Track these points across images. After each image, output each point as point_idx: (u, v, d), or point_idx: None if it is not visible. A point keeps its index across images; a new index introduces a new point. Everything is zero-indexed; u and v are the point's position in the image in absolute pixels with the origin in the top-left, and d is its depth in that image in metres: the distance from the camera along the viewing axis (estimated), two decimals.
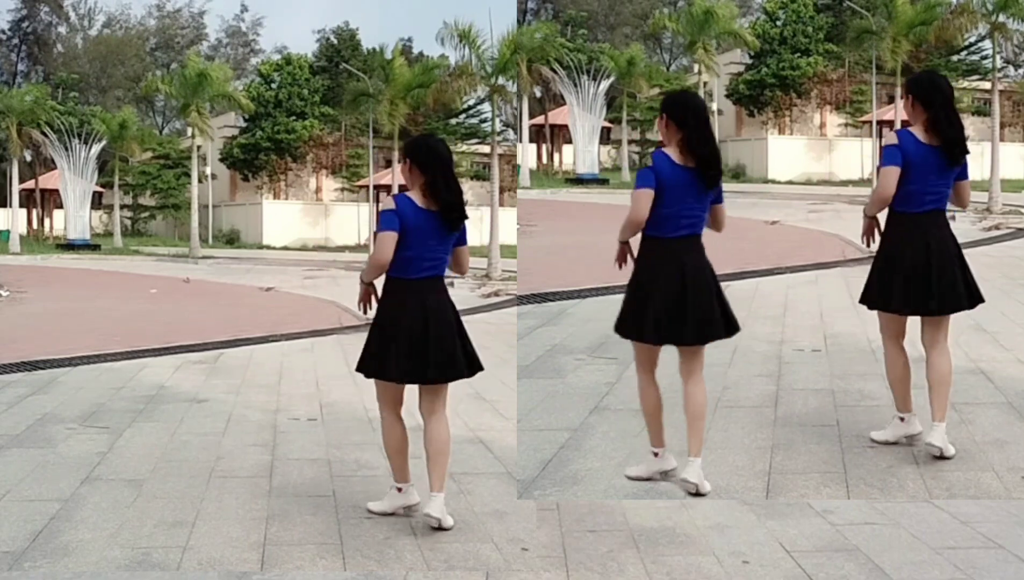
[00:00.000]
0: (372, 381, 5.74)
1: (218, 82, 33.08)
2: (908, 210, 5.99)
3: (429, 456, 5.59)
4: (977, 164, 33.12)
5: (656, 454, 5.92)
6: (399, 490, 5.80)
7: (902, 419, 6.28)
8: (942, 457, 6.03)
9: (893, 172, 5.89)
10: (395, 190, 31.09)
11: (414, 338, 5.53)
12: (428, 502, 5.55)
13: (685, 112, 5.74)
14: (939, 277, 5.98)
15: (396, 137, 30.52)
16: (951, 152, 5.92)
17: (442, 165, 5.58)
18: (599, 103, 35.42)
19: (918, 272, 5.97)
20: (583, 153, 34.90)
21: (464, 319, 5.88)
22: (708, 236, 6.07)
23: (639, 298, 5.72)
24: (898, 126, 29.86)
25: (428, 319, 5.56)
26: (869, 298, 6.17)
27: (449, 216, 5.55)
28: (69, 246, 33.85)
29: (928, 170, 5.94)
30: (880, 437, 6.36)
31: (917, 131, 5.95)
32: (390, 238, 5.48)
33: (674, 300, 5.63)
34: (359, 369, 5.74)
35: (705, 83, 34.91)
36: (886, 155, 5.96)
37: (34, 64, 47.86)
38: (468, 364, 5.72)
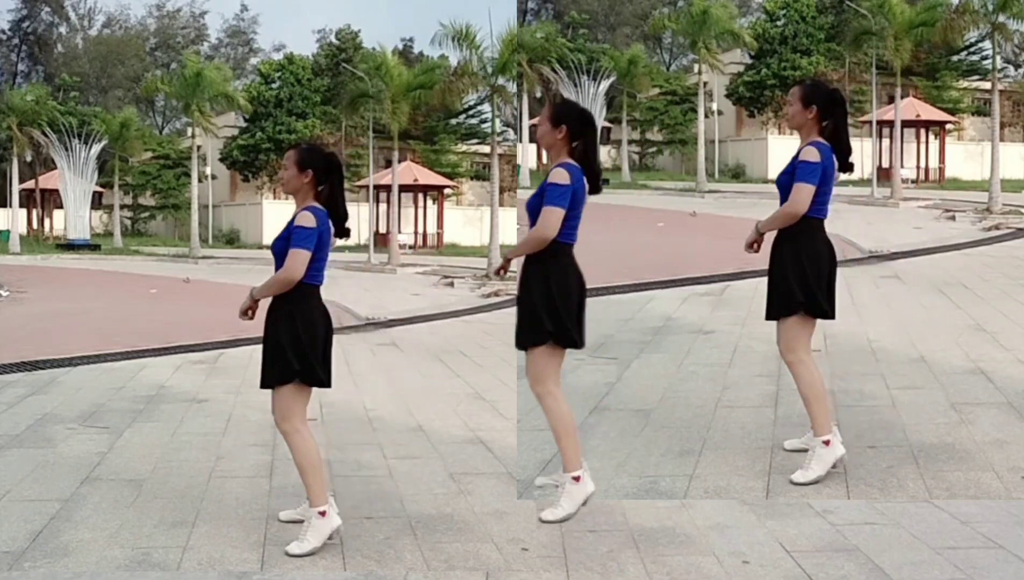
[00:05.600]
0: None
1: (216, 82, 33.07)
2: (820, 216, 6.06)
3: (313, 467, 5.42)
4: (977, 164, 33.18)
5: (578, 478, 5.60)
6: (321, 514, 5.32)
7: (826, 443, 5.94)
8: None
9: (811, 191, 5.96)
10: (395, 190, 31.09)
11: (327, 342, 5.74)
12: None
13: (583, 127, 5.88)
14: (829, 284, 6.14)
15: (396, 137, 30.51)
16: (843, 161, 6.07)
17: (339, 179, 5.73)
18: (599, 103, 35.40)
19: (831, 277, 6.09)
20: None
21: (464, 319, 5.90)
22: (708, 236, 6.07)
23: (559, 305, 5.85)
24: (898, 126, 29.96)
25: (328, 324, 5.79)
26: (805, 305, 5.97)
27: (339, 225, 5.69)
28: (69, 246, 33.85)
29: (833, 177, 6.08)
30: (792, 446, 6.32)
31: (821, 140, 6.05)
32: (307, 257, 5.55)
33: (578, 306, 5.94)
34: (297, 380, 5.57)
35: (705, 83, 34.93)
36: (808, 172, 5.97)
37: (34, 64, 47.88)
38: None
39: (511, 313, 6.49)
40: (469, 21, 27.85)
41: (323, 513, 5.31)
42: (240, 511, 5.95)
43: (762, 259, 6.51)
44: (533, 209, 5.88)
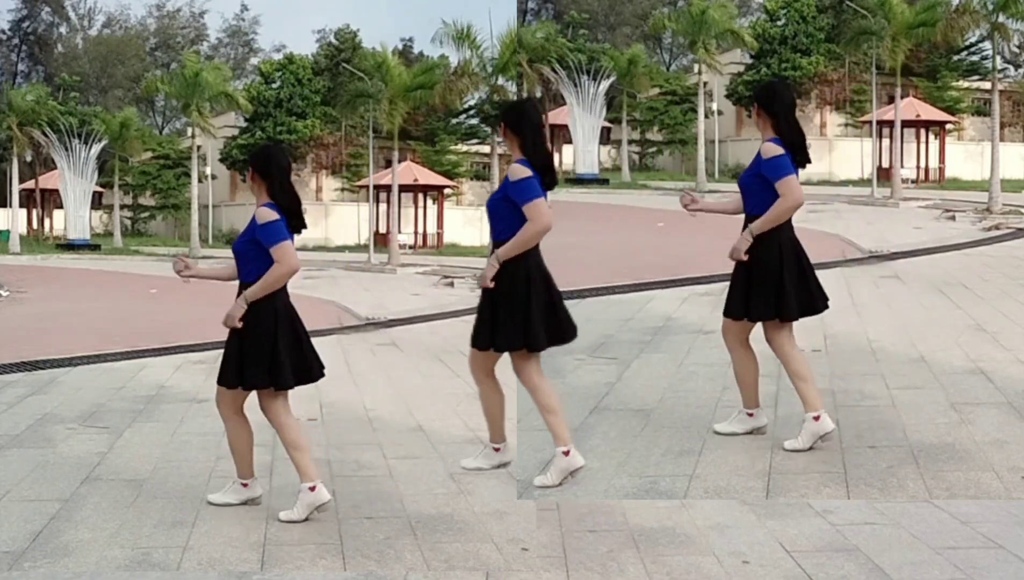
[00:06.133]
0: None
1: (216, 82, 33.06)
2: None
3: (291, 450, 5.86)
4: (977, 164, 33.16)
5: (498, 449, 6.24)
6: (310, 489, 5.80)
7: (751, 415, 6.49)
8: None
9: (796, 180, 6.08)
10: (395, 190, 31.09)
11: (300, 341, 5.77)
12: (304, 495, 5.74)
13: (520, 119, 5.90)
14: (814, 277, 6.29)
15: (396, 137, 30.50)
16: (795, 157, 6.12)
17: (281, 173, 5.76)
18: (599, 103, 35.39)
19: (798, 273, 6.19)
20: (583, 153, 34.87)
21: (464, 319, 5.94)
22: (708, 236, 6.11)
23: (523, 305, 5.83)
24: (898, 126, 29.95)
25: (294, 321, 5.79)
26: (784, 311, 6.14)
27: (291, 223, 5.71)
28: (69, 246, 33.82)
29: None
30: (722, 429, 6.55)
31: (777, 136, 6.13)
32: (292, 246, 5.65)
33: (547, 303, 5.91)
34: (269, 384, 5.74)
35: (705, 83, 34.92)
36: (781, 166, 6.07)
37: (35, 64, 47.84)
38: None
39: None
40: (469, 21, 27.87)
41: (245, 484, 5.94)
42: (240, 511, 5.95)
43: None
44: (496, 209, 5.92)
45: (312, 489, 5.75)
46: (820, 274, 6.44)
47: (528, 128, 5.91)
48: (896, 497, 5.67)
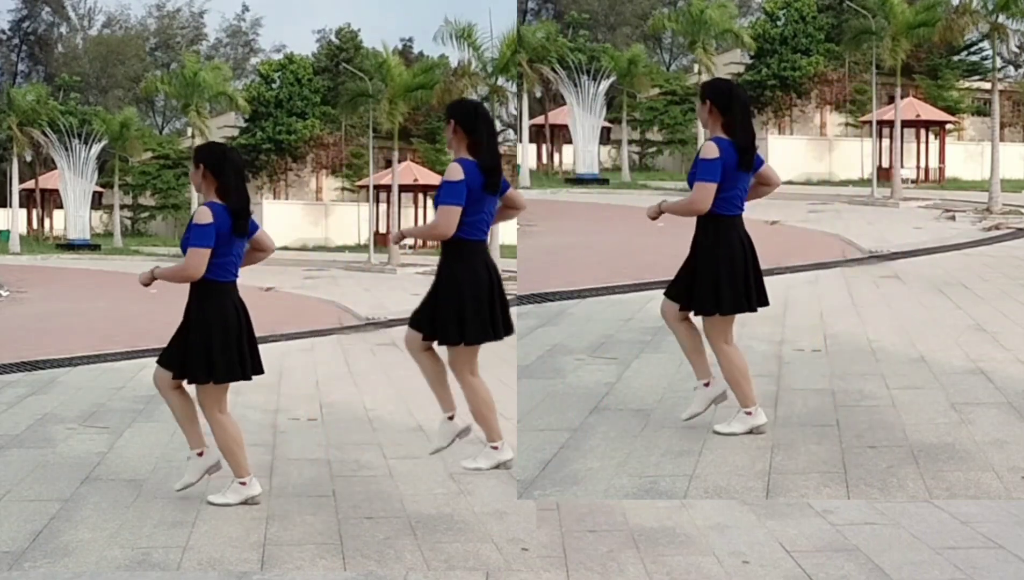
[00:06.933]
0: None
1: (215, 82, 33.06)
2: (731, 213, 6.26)
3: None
4: (977, 164, 33.16)
5: (495, 446, 6.40)
6: (243, 483, 5.99)
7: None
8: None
9: (712, 189, 6.13)
10: (395, 190, 31.09)
11: (247, 334, 5.91)
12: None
13: (476, 121, 6.00)
14: (756, 276, 6.38)
15: (396, 137, 30.51)
16: (743, 157, 6.18)
17: (236, 173, 5.81)
18: (599, 103, 35.40)
19: (741, 272, 6.29)
20: (583, 153, 34.88)
21: None
22: None
23: (468, 309, 6.07)
24: (898, 126, 29.95)
25: (241, 318, 5.90)
26: (724, 306, 6.30)
27: (238, 220, 5.76)
28: (69, 246, 33.83)
29: (739, 173, 6.21)
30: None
31: (724, 136, 6.17)
32: (206, 255, 5.67)
33: (490, 302, 6.13)
34: (207, 379, 5.88)
35: None
36: (708, 169, 6.15)
37: (35, 64, 47.84)
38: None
39: (511, 313, 6.50)
40: (470, 21, 27.86)
41: (244, 483, 5.98)
42: (240, 511, 5.95)
43: (763, 259, 6.54)
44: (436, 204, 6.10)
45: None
46: (821, 274, 6.47)
47: (484, 130, 6.05)
48: (896, 497, 5.67)
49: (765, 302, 6.51)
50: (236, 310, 5.90)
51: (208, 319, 5.79)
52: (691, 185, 6.28)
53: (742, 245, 6.33)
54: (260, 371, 6.11)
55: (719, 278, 6.23)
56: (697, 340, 6.54)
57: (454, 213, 5.96)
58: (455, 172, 5.95)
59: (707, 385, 6.57)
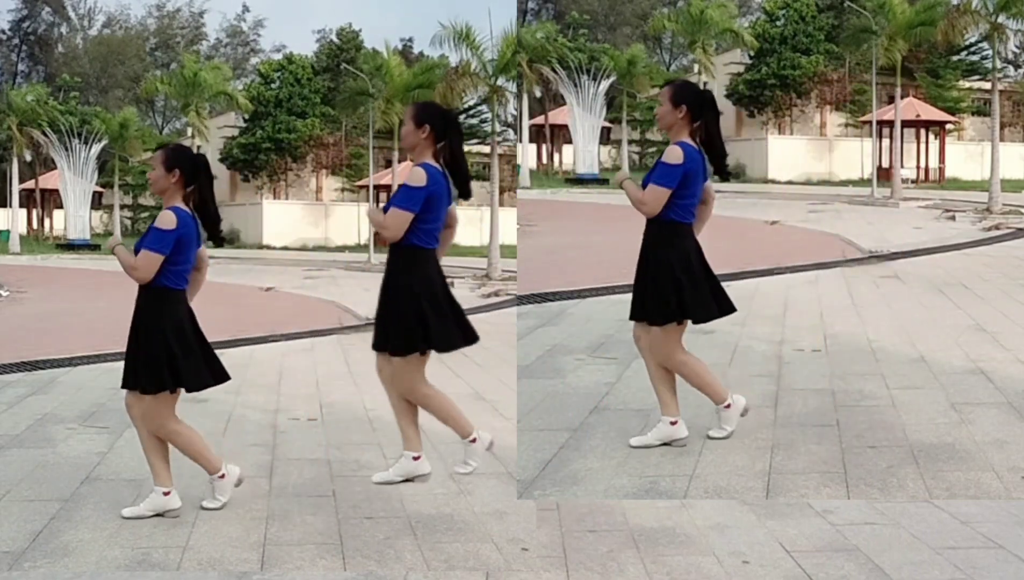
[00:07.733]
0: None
1: (215, 82, 33.07)
2: (686, 221, 6.12)
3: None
4: (977, 164, 33.17)
5: (472, 438, 6.32)
6: (222, 476, 6.02)
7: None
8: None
9: (666, 195, 5.99)
10: (394, 190, 31.09)
11: (203, 344, 5.89)
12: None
13: (447, 127, 5.95)
14: (712, 284, 6.19)
15: (396, 137, 30.50)
16: (716, 164, 6.10)
17: (208, 182, 5.78)
18: (599, 103, 35.41)
19: (701, 278, 6.14)
20: (583, 153, 34.89)
21: (468, 317, 6.00)
22: (707, 236, 6.14)
23: (431, 318, 6.01)
24: (898, 126, 29.96)
25: (196, 325, 5.88)
26: (681, 315, 6.14)
27: (211, 228, 5.79)
28: (69, 246, 33.84)
29: (699, 181, 6.08)
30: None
31: (690, 141, 6.03)
32: (158, 261, 5.66)
33: (449, 305, 6.09)
34: (163, 387, 5.88)
35: (705, 83, 34.87)
36: (667, 174, 5.98)
37: (35, 64, 47.85)
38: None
39: (511, 313, 6.50)
40: (469, 21, 27.85)
41: (222, 476, 5.97)
42: (240, 511, 5.95)
43: (763, 259, 6.53)
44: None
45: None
46: (821, 274, 6.45)
47: (454, 137, 5.98)
48: (896, 497, 5.67)
49: (731, 308, 6.29)
50: (191, 317, 5.89)
51: (163, 327, 5.75)
52: (644, 185, 6.10)
53: (698, 252, 6.17)
54: (226, 377, 6.10)
55: (680, 284, 6.03)
56: (704, 371, 6.34)
57: (405, 218, 5.83)
58: (418, 177, 5.83)
59: (673, 423, 6.33)
